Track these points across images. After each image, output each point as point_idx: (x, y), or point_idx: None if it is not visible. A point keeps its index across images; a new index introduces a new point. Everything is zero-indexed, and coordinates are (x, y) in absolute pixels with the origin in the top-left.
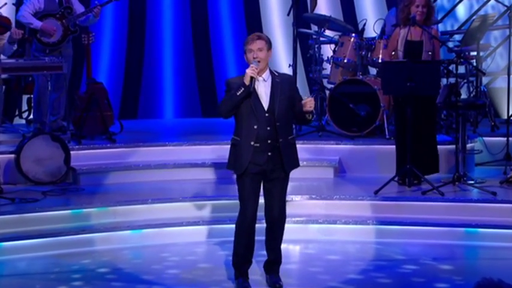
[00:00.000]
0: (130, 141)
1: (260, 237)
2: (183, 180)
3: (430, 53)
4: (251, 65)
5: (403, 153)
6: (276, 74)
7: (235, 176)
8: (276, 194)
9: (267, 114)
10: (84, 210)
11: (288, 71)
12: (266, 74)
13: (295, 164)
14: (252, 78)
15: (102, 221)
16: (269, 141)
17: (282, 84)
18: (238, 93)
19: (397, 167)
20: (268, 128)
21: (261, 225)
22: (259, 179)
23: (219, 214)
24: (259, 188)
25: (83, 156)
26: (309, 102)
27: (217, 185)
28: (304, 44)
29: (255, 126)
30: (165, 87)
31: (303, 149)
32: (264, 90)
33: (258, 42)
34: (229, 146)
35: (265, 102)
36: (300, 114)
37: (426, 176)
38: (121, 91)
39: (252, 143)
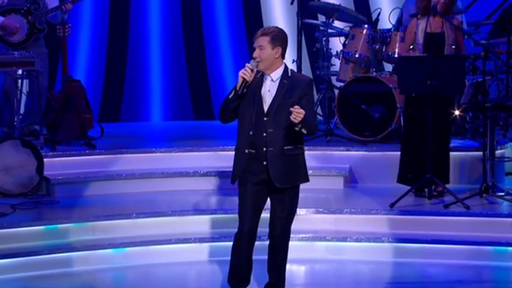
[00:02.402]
0: (112, 147)
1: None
2: (173, 191)
3: (453, 46)
4: (246, 65)
5: (409, 159)
6: (290, 74)
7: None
8: (277, 208)
9: (265, 119)
10: (60, 226)
11: (292, 67)
12: (276, 74)
13: (293, 179)
14: (244, 81)
15: (80, 238)
16: (264, 149)
17: (289, 87)
18: (229, 97)
19: (400, 174)
20: (265, 135)
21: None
22: (261, 190)
23: (214, 230)
24: (262, 200)
25: (57, 164)
26: (294, 112)
27: (211, 196)
28: (310, 36)
29: (251, 132)
30: (151, 86)
31: (308, 156)
32: (269, 91)
33: (260, 39)
34: (224, 153)
35: (266, 104)
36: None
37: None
38: (101, 90)
39: (247, 150)
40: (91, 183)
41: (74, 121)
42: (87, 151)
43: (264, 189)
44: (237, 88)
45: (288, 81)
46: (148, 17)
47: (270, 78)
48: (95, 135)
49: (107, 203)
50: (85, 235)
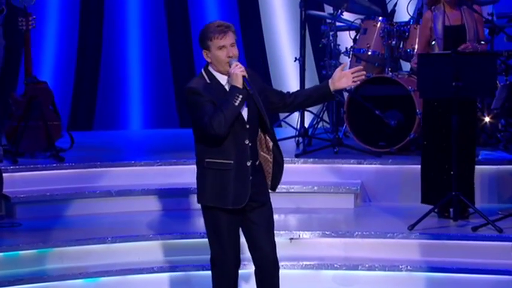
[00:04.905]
0: (84, 160)
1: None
2: (155, 211)
3: (482, 42)
4: (234, 63)
5: (432, 174)
6: None
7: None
8: (263, 226)
9: (247, 126)
10: (22, 252)
11: (294, 66)
12: None
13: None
14: (245, 78)
15: (46, 266)
16: (251, 161)
17: (254, 83)
18: (236, 103)
19: (423, 193)
20: (250, 145)
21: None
22: (236, 211)
23: (204, 257)
24: (239, 221)
25: (19, 180)
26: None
27: (200, 218)
28: (315, 30)
29: (247, 141)
30: (130, 88)
31: (313, 170)
32: None
33: (230, 34)
34: None
35: (243, 110)
36: (313, 96)
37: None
38: (71, 93)
39: (249, 163)
40: (59, 202)
41: (39, 129)
42: (55, 164)
43: (239, 210)
44: (245, 88)
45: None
46: (126, 7)
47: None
48: (63, 145)
49: (78, 225)
50: (52, 263)
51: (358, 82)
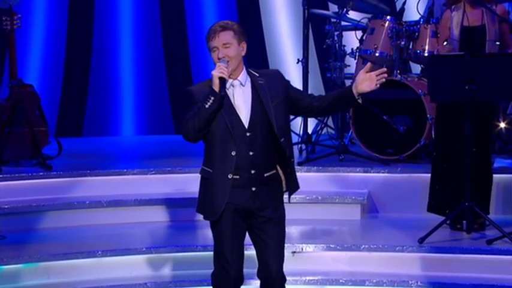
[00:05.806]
0: (73, 169)
1: None
2: (148, 223)
3: (497, 43)
4: (218, 64)
5: (442, 183)
6: (257, 74)
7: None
8: (270, 243)
9: (248, 134)
10: (5, 267)
11: (296, 68)
12: (242, 76)
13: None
14: (221, 80)
15: (32, 282)
16: (253, 172)
17: (270, 86)
18: (207, 106)
19: (431, 201)
20: (252, 153)
21: None
22: (241, 223)
23: (199, 271)
24: (243, 236)
25: (3, 189)
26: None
27: (196, 229)
28: (319, 30)
29: (233, 153)
30: (122, 92)
31: (317, 178)
32: (242, 99)
33: (222, 35)
34: None
35: (245, 116)
36: (337, 102)
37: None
38: (59, 97)
39: (230, 175)
40: (45, 213)
41: (25, 136)
42: (41, 173)
43: (245, 220)
44: (217, 90)
45: (262, 80)
46: (118, 6)
47: (238, 84)
48: (51, 153)
49: (66, 238)
50: (38, 278)
51: (378, 85)
